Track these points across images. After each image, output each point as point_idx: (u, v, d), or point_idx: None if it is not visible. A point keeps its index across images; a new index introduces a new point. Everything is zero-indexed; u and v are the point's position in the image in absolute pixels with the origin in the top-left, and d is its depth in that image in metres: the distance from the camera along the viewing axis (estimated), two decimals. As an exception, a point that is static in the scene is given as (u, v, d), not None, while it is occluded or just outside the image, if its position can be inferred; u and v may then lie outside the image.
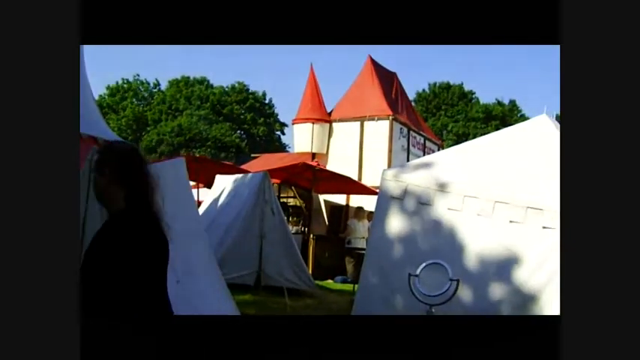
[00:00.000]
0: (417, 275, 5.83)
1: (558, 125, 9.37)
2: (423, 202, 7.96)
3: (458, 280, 5.83)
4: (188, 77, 58.90)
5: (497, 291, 7.47)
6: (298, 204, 16.67)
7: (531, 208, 7.43)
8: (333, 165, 18.56)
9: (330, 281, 14.50)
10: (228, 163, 23.99)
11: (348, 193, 18.03)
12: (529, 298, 7.30)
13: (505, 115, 62.30)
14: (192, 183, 11.31)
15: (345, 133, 19.74)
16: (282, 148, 55.54)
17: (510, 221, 7.51)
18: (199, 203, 12.68)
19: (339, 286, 13.96)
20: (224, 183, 12.46)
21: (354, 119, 19.62)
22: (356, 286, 8.81)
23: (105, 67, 78.57)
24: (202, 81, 58.85)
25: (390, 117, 19.15)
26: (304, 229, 16.05)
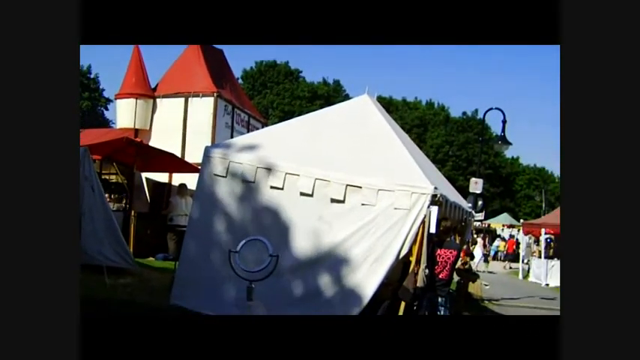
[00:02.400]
0: (237, 252, 5.92)
1: (379, 105, 9.82)
2: (246, 180, 8.05)
3: (277, 256, 5.99)
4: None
5: (316, 266, 7.73)
6: (120, 181, 16.18)
7: (351, 185, 7.74)
8: (157, 141, 18.18)
9: (151, 259, 14.26)
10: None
11: (172, 170, 17.77)
12: (347, 273, 7.63)
13: (330, 95, 63.90)
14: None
15: (168, 109, 19.38)
16: (105, 123, 53.39)
17: (331, 199, 7.79)
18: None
19: (160, 263, 13.78)
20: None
21: (178, 95, 19.31)
22: (177, 263, 8.76)
23: None
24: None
25: (215, 94, 19.04)
26: (126, 206, 15.64)
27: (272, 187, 7.96)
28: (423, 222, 7.52)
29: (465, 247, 11.79)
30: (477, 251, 28.50)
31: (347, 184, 7.74)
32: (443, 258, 8.50)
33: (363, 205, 7.71)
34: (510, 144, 18.66)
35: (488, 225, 44.62)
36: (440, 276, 8.51)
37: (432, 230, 7.61)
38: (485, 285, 17.94)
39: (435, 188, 7.61)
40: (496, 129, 56.84)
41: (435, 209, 7.56)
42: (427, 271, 7.78)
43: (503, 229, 44.63)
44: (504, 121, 18.16)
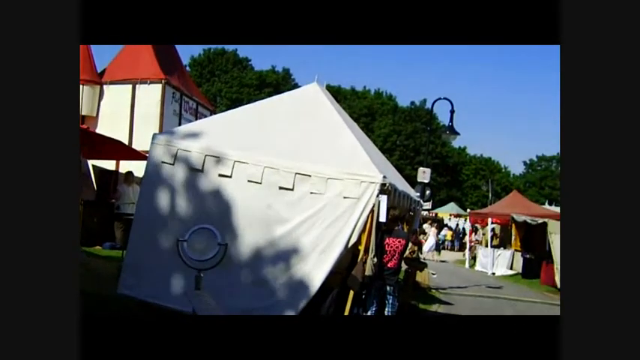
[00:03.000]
0: (185, 240, 5.86)
1: (328, 94, 9.81)
2: (194, 168, 7.97)
3: (226, 245, 5.95)
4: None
5: (265, 255, 7.71)
6: (64, 168, 15.81)
7: (299, 174, 7.73)
8: (103, 128, 17.83)
9: (98, 248, 14.03)
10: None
11: (119, 157, 17.48)
12: (296, 262, 7.63)
13: (279, 83, 63.74)
14: None
15: (116, 95, 19.05)
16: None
17: (280, 187, 7.76)
18: None
19: (107, 252, 13.55)
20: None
21: (126, 82, 18.99)
22: (124, 252, 8.62)
23: None
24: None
25: (163, 81, 18.79)
26: (70, 194, 15.31)
27: (220, 175, 7.90)
28: (372, 211, 7.56)
29: (413, 236, 11.90)
30: (431, 240, 28.87)
31: (296, 172, 7.73)
32: (391, 247, 8.55)
33: (312, 193, 7.71)
34: (458, 134, 18.88)
35: (436, 214, 45.23)
36: (388, 265, 8.56)
37: (382, 219, 7.66)
38: (433, 274, 18.17)
39: (384, 177, 7.64)
40: (443, 119, 57.53)
41: (384, 198, 7.60)
42: (376, 259, 7.83)
43: (450, 219, 45.28)
44: (452, 111, 18.37)
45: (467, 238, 31.66)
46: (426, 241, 27.34)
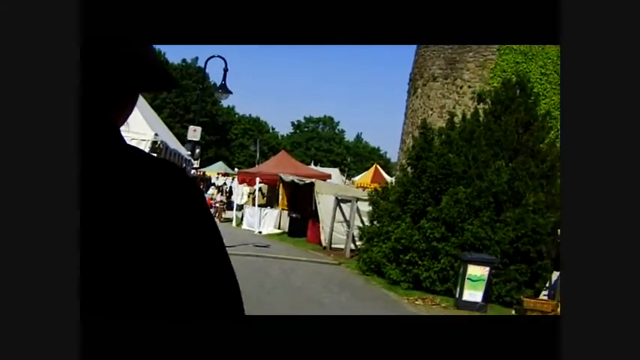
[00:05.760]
0: None
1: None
2: None
3: None
4: None
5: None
6: None
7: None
8: None
9: None
10: None
11: None
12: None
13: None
14: None
15: None
16: None
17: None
18: None
19: None
20: None
21: None
22: None
23: None
24: None
25: None
26: None
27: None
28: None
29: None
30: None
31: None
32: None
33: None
34: (231, 92, 18.76)
35: (204, 173, 45.08)
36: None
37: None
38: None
39: (156, 134, 7.34)
40: (215, 78, 57.38)
41: (155, 156, 7.23)
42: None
43: (218, 177, 45.38)
44: (226, 70, 18.12)
45: (233, 197, 31.85)
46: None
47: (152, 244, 1.20)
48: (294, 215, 24.25)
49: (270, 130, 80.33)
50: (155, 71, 1.41)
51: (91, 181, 1.28)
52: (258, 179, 27.38)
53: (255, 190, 27.52)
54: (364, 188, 28.28)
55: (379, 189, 18.47)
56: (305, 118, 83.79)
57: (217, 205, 29.86)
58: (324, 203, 20.81)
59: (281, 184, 25.65)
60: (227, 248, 1.28)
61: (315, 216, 21.30)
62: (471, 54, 22.63)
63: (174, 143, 9.52)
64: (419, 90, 24.99)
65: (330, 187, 23.26)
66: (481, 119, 16.03)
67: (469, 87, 22.42)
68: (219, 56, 18.37)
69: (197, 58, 67.47)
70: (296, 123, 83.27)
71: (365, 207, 18.52)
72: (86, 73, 1.35)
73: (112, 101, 1.37)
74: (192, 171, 24.79)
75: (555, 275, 12.79)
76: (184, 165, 10.23)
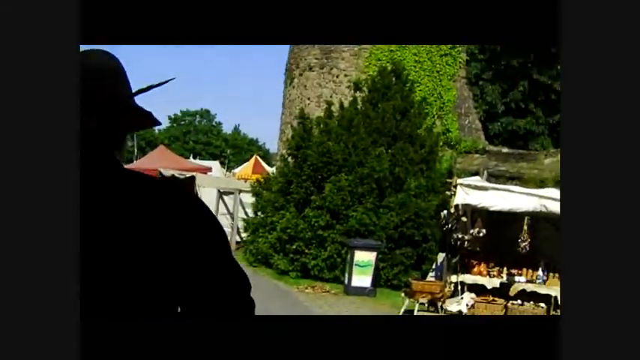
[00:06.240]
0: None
1: None
2: None
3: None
4: None
5: None
6: None
7: None
8: None
9: None
10: None
11: None
12: None
13: None
14: None
15: None
16: None
17: None
18: None
19: None
20: None
21: None
22: None
23: None
24: None
25: None
26: None
27: None
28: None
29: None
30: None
31: None
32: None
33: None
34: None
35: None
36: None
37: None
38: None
39: None
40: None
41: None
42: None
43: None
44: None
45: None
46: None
47: (160, 247, 1.54)
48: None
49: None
50: (143, 116, 1.71)
51: (103, 194, 1.59)
52: (136, 175, 26.69)
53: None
54: (245, 180, 28.17)
55: (261, 180, 18.46)
56: (181, 111, 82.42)
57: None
58: (207, 196, 20.58)
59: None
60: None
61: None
62: (345, 43, 22.94)
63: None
64: (295, 80, 25.06)
65: (212, 180, 23.06)
66: (359, 107, 16.29)
67: (345, 76, 22.68)
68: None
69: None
70: (173, 117, 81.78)
71: (248, 198, 18.47)
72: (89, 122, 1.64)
73: (113, 143, 1.68)
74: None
75: (441, 257, 13.24)
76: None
